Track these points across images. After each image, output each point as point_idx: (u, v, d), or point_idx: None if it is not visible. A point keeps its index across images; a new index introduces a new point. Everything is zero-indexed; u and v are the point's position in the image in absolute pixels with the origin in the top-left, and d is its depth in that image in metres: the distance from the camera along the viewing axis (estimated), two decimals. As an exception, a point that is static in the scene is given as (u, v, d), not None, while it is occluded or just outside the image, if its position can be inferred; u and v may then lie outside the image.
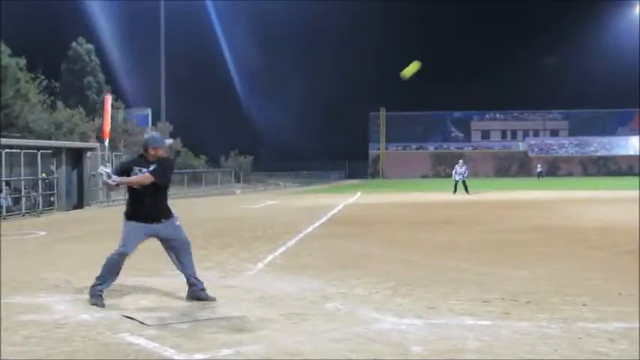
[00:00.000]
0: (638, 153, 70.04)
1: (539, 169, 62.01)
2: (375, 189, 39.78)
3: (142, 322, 5.65)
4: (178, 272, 6.75)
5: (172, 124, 44.84)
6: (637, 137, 72.69)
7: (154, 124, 45.97)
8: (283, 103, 71.92)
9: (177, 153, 43.79)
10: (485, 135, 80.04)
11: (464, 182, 28.50)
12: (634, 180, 42.76)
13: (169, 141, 7.17)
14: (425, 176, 69.47)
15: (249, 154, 55.23)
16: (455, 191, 28.39)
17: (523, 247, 10.75)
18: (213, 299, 6.53)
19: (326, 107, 74.77)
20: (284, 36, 72.07)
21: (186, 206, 23.39)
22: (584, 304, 6.30)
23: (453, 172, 29.61)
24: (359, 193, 32.50)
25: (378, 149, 77.31)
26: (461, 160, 30.04)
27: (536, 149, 74.47)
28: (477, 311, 6.04)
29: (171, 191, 26.23)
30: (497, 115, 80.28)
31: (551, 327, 5.44)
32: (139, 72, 54.41)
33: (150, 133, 7.06)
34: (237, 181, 44.71)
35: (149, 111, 47.74)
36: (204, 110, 65.13)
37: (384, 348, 4.89)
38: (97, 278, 6.51)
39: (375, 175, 74.39)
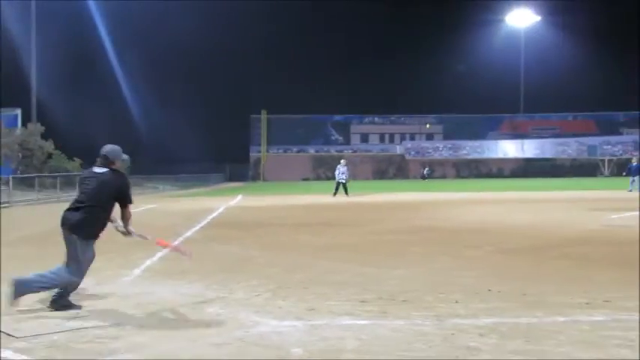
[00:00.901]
0: (507, 156, 73.72)
1: (425, 172, 64.17)
2: (257, 192, 39.76)
3: (9, 335, 5.36)
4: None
5: (44, 125, 42.87)
6: (505, 141, 76.56)
7: (23, 124, 43.79)
8: (164, 105, 70.53)
9: (49, 155, 41.91)
10: (365, 138, 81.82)
11: (344, 184, 28.91)
12: (504, 182, 45.04)
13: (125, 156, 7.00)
14: (306, 179, 70.13)
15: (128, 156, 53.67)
16: (335, 193, 28.77)
17: (401, 248, 11.05)
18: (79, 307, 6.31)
19: (207, 110, 74.02)
20: (166, 36, 70.67)
21: (59, 211, 22.47)
22: (456, 301, 6.56)
23: (336, 173, 29.83)
24: (240, 196, 32.37)
25: (260, 152, 77.32)
26: (343, 161, 30.41)
27: (412, 152, 76.83)
28: (356, 311, 6.16)
29: (43, 195, 24.99)
30: (376, 119, 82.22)
31: (426, 324, 5.62)
32: (8, 70, 51.71)
33: (110, 145, 6.79)
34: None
35: (19, 111, 45.42)
36: (79, 111, 62.79)
37: (264, 351, 4.90)
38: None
39: (256, 177, 74.35)
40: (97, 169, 6.62)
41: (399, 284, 7.57)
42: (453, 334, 5.31)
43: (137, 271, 8.77)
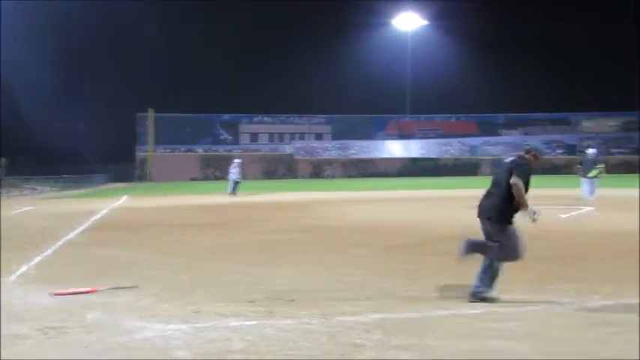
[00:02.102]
0: (393, 156, 75.62)
1: (326, 173, 65.06)
2: (143, 192, 38.84)
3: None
4: None
5: None
6: (392, 141, 78.52)
7: None
8: (43, 103, 67.63)
9: None
10: (254, 138, 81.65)
11: (237, 184, 28.75)
12: (390, 181, 46.19)
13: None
14: (194, 179, 69.21)
15: (3, 156, 51.01)
16: (233, 192, 28.52)
17: (289, 247, 11.11)
18: None
19: (90, 107, 71.64)
20: (48, 32, 67.74)
21: None
22: (343, 299, 6.67)
23: (231, 172, 29.49)
24: (125, 197, 31.53)
25: (146, 152, 75.62)
26: (237, 160, 30.16)
27: (301, 152, 77.42)
28: (243, 312, 6.14)
29: None
30: (266, 119, 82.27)
31: (312, 323, 5.69)
32: None
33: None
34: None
35: None
36: None
37: (148, 355, 4.80)
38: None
39: (142, 178, 72.62)
40: None
41: (287, 284, 7.62)
42: (339, 331, 5.40)
43: (12, 278, 8.37)
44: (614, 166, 50.17)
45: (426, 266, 8.91)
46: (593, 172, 21.16)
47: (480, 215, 6.84)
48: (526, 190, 6.53)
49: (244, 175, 31.76)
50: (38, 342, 5.21)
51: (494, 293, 6.53)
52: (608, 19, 73.24)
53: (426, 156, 75.50)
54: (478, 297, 6.46)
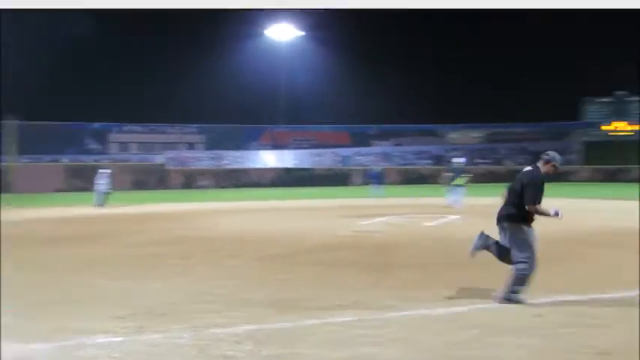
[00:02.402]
0: (267, 166, 75.85)
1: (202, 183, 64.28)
2: (3, 204, 36.74)
3: None
4: None
5: None
6: (266, 152, 78.74)
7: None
8: None
9: None
10: (124, 147, 79.47)
11: (106, 195, 27.76)
12: (264, 191, 46.24)
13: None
14: (59, 190, 66.37)
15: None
16: (99, 204, 27.49)
17: (160, 260, 10.87)
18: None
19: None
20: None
21: None
22: (215, 311, 6.62)
23: (97, 183, 28.38)
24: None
25: (8, 161, 71.77)
26: (103, 170, 29.08)
27: (173, 162, 76.13)
28: (112, 328, 5.96)
29: None
30: (137, 128, 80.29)
31: (183, 336, 5.61)
32: None
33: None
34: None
35: None
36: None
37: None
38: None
39: (4, 189, 68.85)
40: None
41: (157, 297, 7.46)
42: (208, 344, 5.35)
43: None
44: (479, 176, 52.60)
45: (300, 276, 8.99)
46: (460, 180, 22.15)
47: (498, 222, 7.18)
48: (540, 200, 6.91)
49: (113, 186, 30.72)
50: None
51: (522, 296, 6.87)
52: (473, 38, 77.40)
53: (300, 166, 76.26)
54: (511, 300, 6.85)
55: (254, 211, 24.92)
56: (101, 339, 5.58)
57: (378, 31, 75.54)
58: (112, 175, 29.59)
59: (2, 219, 18.76)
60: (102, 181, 28.27)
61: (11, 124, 70.51)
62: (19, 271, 9.79)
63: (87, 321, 6.28)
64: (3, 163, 71.42)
